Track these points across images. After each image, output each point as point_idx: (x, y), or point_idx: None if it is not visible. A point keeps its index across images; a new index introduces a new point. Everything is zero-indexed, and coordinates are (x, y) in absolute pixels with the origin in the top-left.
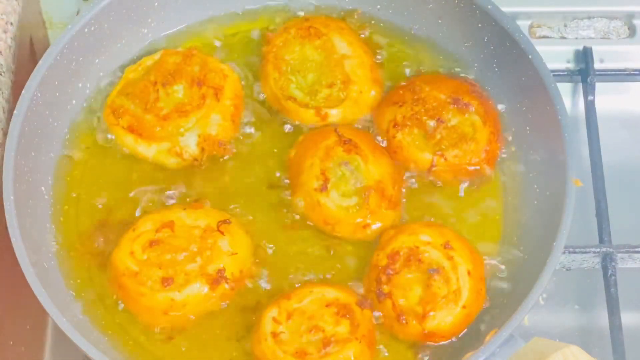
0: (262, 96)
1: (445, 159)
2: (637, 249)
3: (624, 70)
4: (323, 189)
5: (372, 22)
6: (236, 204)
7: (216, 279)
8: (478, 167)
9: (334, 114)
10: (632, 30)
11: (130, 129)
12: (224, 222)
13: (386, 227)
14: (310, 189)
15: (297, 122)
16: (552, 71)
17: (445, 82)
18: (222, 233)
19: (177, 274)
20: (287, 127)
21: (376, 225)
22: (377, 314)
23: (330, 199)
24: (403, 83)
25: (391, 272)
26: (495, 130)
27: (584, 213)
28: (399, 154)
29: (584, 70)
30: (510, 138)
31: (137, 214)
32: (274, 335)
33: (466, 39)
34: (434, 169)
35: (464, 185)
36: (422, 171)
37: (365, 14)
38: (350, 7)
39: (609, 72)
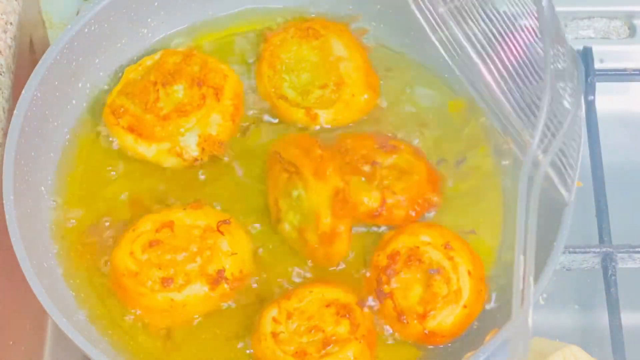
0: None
1: (394, 192)
2: (637, 249)
3: (624, 70)
4: (278, 220)
5: (373, 23)
6: (236, 204)
7: (216, 279)
8: (427, 197)
9: (324, 116)
10: (632, 30)
11: (130, 129)
12: (224, 222)
13: (334, 260)
14: (273, 219)
15: (289, 122)
16: None
17: (364, 135)
18: (221, 233)
19: (177, 274)
20: (287, 128)
21: (322, 259)
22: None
23: (285, 231)
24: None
25: (392, 272)
26: (428, 164)
27: (584, 213)
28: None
29: (584, 70)
30: (510, 138)
31: (137, 214)
32: (274, 335)
33: None
34: (388, 201)
35: (420, 219)
36: (373, 212)
37: (366, 17)
38: (353, 12)
39: (609, 72)
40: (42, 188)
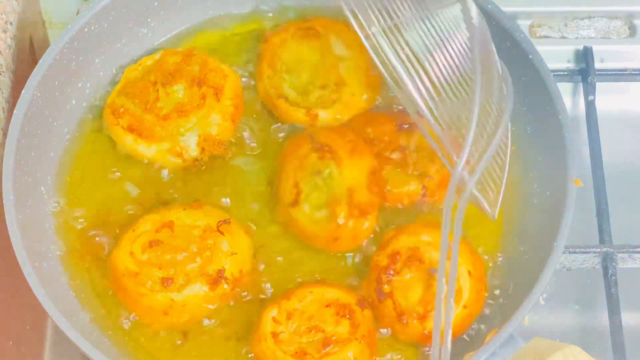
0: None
1: (431, 175)
2: (637, 249)
3: (624, 70)
4: (295, 203)
5: None
6: (236, 204)
7: (216, 279)
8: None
9: (324, 116)
10: (632, 30)
11: (130, 129)
12: (224, 222)
13: (359, 238)
14: (285, 204)
15: (289, 122)
16: (553, 71)
17: (382, 119)
18: (222, 233)
19: (177, 274)
20: (287, 127)
21: (347, 237)
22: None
23: (302, 213)
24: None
25: (392, 272)
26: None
27: (584, 213)
28: (390, 198)
29: (585, 70)
30: (510, 138)
31: (137, 214)
32: (274, 335)
33: None
34: (429, 187)
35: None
36: (416, 201)
37: None
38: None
39: (609, 72)
40: (42, 188)
